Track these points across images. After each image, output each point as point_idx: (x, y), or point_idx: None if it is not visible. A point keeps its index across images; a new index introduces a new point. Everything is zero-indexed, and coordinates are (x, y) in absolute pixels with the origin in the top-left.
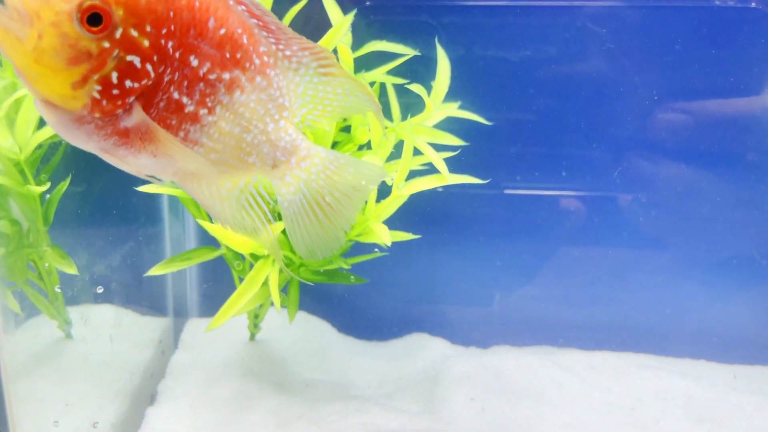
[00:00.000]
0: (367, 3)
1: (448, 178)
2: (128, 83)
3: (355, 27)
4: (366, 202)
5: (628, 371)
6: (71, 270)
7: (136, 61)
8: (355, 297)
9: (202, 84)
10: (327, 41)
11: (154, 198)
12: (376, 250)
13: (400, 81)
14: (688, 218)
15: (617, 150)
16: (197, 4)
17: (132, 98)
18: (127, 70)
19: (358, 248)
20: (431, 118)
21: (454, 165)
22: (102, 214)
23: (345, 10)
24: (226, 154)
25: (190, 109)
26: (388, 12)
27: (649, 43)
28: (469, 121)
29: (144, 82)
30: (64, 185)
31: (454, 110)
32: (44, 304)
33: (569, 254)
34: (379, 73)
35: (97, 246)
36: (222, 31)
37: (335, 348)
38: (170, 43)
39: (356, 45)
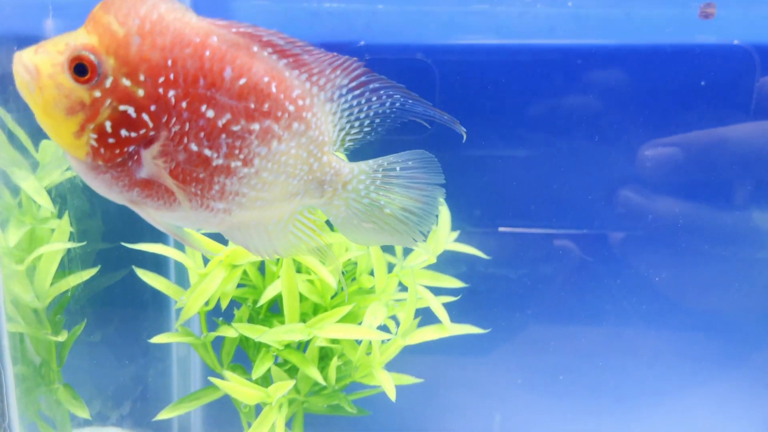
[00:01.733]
0: (361, 43)
1: (449, 328)
2: (124, 132)
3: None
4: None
5: None
6: (83, 414)
7: (130, 110)
8: (356, 421)
9: (224, 135)
10: None
11: (163, 310)
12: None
13: None
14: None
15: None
16: (208, 53)
17: (131, 147)
18: (121, 120)
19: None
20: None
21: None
22: (113, 335)
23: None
24: (273, 199)
25: (218, 162)
26: (382, 52)
27: (637, 82)
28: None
29: (142, 132)
30: (79, 329)
31: (453, 244)
32: None
33: (567, 352)
34: None
35: (105, 366)
36: (242, 81)
37: None
38: (171, 92)
39: None
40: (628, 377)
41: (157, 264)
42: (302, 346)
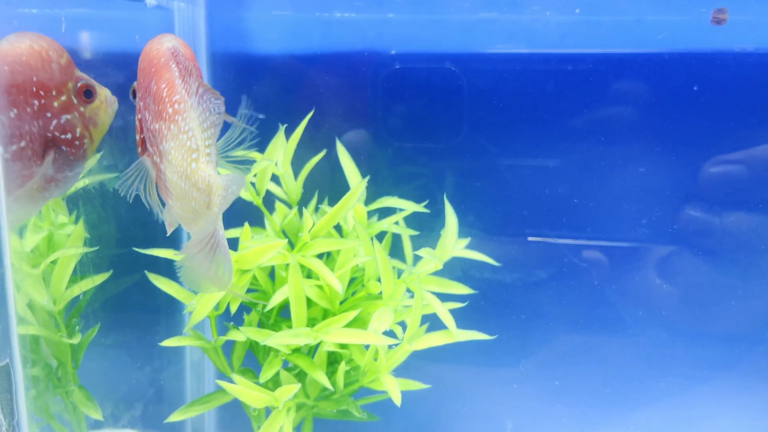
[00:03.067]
0: (392, 52)
1: (456, 335)
2: (137, 136)
3: (377, 75)
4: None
5: None
6: (96, 415)
7: (138, 117)
8: (367, 426)
9: (150, 135)
10: (343, 205)
11: (177, 314)
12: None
13: (412, 232)
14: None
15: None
16: (153, 69)
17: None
18: (138, 124)
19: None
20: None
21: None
22: (127, 338)
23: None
24: (185, 202)
25: (156, 159)
26: (413, 60)
27: (685, 92)
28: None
29: (141, 135)
30: (93, 332)
31: (463, 251)
32: None
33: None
34: (391, 222)
35: (119, 368)
36: (154, 88)
37: None
38: (142, 103)
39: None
40: (644, 387)
41: (172, 269)
42: (311, 351)
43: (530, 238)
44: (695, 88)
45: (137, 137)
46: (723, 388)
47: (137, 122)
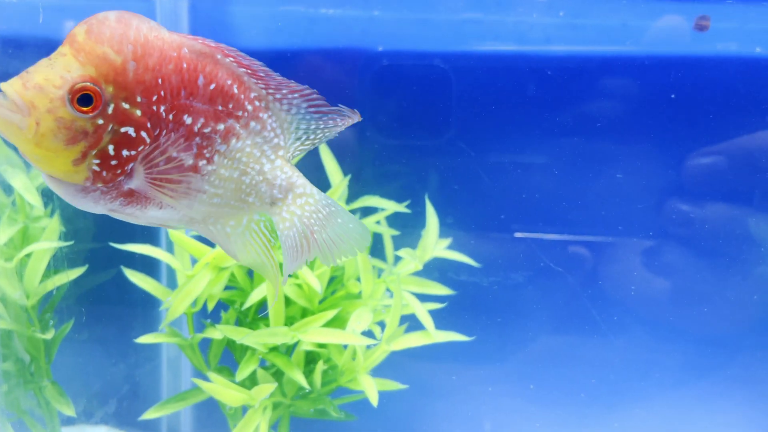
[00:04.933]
0: (380, 48)
1: (434, 335)
2: (125, 152)
3: (362, 72)
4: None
5: None
6: (69, 411)
7: (131, 131)
8: (344, 426)
9: (198, 138)
10: None
11: (153, 310)
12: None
13: (393, 232)
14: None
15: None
16: (185, 65)
17: (131, 165)
18: (122, 141)
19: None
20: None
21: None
22: (102, 333)
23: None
24: (228, 197)
25: (189, 162)
26: (401, 58)
27: (669, 90)
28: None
29: (141, 148)
30: (67, 327)
31: (443, 251)
32: None
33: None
34: (373, 221)
35: (94, 364)
36: (212, 87)
37: None
38: (162, 108)
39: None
40: (621, 389)
41: (149, 264)
42: (289, 350)
43: (517, 234)
44: (673, 95)
45: (138, 147)
46: (700, 391)
47: (133, 132)
